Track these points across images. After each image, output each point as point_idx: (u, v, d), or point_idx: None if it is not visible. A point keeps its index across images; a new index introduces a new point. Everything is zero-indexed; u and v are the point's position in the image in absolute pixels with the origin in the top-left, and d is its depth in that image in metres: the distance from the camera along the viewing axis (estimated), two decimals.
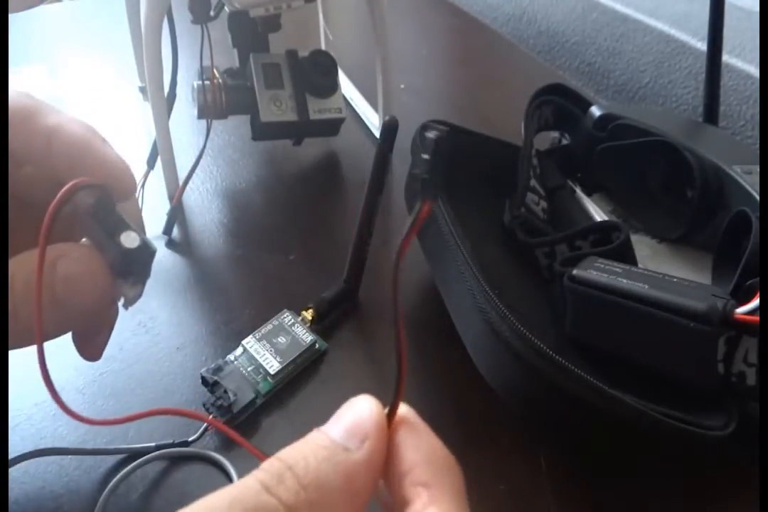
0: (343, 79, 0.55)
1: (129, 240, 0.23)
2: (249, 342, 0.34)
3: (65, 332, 0.25)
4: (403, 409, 0.17)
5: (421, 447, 0.17)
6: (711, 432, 0.26)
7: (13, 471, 0.30)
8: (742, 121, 0.52)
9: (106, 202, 0.24)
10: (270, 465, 0.16)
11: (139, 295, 0.25)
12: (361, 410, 0.17)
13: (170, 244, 0.44)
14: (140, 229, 0.26)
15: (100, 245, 0.24)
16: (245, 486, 0.15)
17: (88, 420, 0.25)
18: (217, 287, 0.40)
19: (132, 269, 0.24)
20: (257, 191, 0.49)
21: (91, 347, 0.28)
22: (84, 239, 0.25)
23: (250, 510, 0.14)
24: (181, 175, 0.46)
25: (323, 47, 0.61)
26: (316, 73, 0.47)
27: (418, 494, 0.16)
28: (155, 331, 0.37)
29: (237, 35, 0.47)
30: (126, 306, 0.26)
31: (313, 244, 0.44)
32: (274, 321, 0.36)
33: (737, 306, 0.27)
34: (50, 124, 0.24)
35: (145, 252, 0.24)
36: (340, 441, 0.16)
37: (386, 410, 0.17)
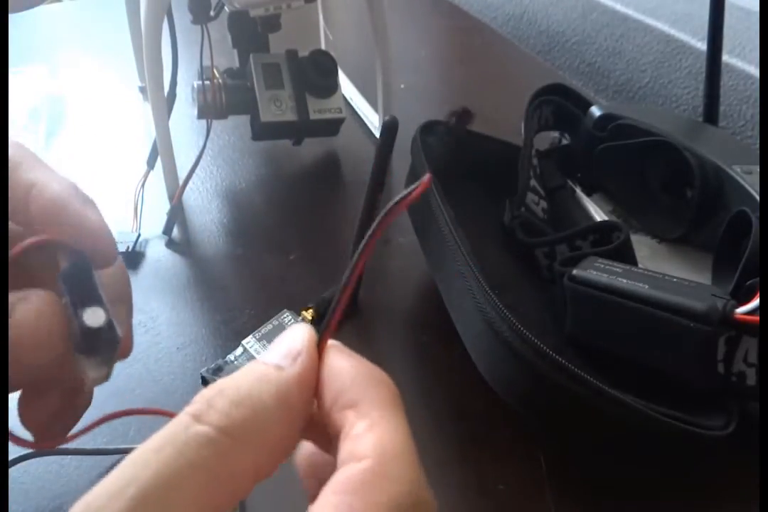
0: (343, 79, 0.55)
1: (93, 317, 0.21)
2: (249, 342, 0.34)
3: (14, 387, 0.23)
4: (332, 342, 0.17)
5: (345, 372, 0.16)
6: (711, 432, 0.26)
7: (13, 471, 0.30)
8: (742, 121, 0.52)
9: (81, 268, 0.21)
10: (200, 396, 0.15)
11: (106, 378, 0.22)
12: (293, 336, 0.17)
13: (170, 243, 0.44)
14: (123, 300, 0.24)
15: (69, 313, 0.21)
16: (175, 423, 0.14)
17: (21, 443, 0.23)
18: (217, 287, 0.40)
19: (92, 348, 0.21)
20: (257, 191, 0.49)
21: (49, 434, 0.24)
22: None
23: (181, 446, 0.14)
24: (181, 175, 0.46)
25: (323, 47, 0.61)
26: (316, 73, 0.47)
27: (346, 417, 0.15)
28: (155, 331, 0.37)
29: (237, 35, 0.47)
30: (89, 386, 0.23)
31: (313, 244, 0.43)
32: (274, 321, 0.36)
33: (737, 306, 0.27)
34: (31, 179, 0.22)
35: (108, 334, 0.21)
36: (272, 363, 0.16)
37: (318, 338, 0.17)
